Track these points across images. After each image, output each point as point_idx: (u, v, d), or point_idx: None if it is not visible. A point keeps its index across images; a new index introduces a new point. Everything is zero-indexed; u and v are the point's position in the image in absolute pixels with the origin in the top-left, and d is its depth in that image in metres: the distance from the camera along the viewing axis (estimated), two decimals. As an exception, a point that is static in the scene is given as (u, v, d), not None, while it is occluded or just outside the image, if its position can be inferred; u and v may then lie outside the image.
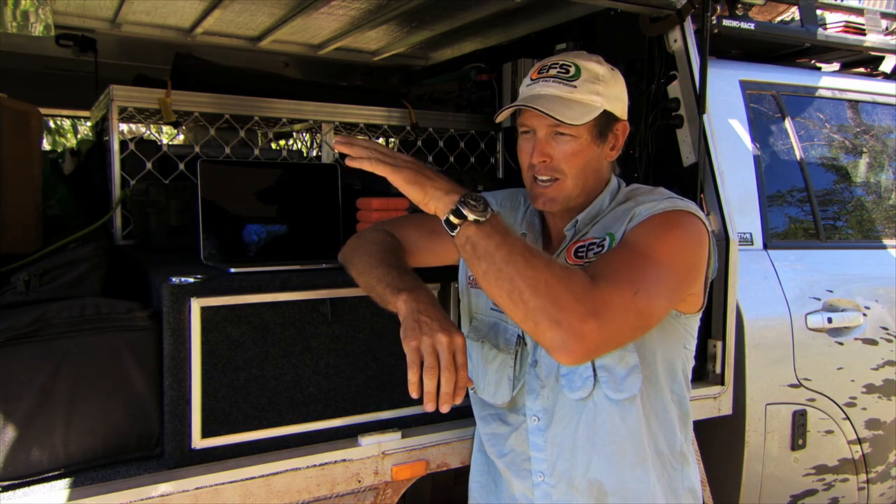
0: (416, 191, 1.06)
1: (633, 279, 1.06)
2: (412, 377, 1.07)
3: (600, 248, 1.24)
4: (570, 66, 1.26)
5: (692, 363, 1.35)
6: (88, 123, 3.84)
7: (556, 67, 1.27)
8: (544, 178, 1.27)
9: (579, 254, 1.27)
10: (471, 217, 1.03)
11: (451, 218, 1.04)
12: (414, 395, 1.07)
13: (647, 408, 1.26)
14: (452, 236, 1.06)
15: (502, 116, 1.31)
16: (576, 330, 0.98)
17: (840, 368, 2.14)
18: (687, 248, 1.17)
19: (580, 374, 1.24)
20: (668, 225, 1.17)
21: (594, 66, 1.27)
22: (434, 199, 1.06)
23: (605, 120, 1.27)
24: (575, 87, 1.24)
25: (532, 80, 1.29)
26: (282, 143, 3.42)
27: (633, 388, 1.23)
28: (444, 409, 1.07)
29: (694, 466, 1.36)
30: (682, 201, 1.22)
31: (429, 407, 1.06)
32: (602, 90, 1.26)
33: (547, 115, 1.21)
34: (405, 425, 1.59)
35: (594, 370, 1.23)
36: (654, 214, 1.19)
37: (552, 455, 1.30)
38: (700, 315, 1.31)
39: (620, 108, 1.30)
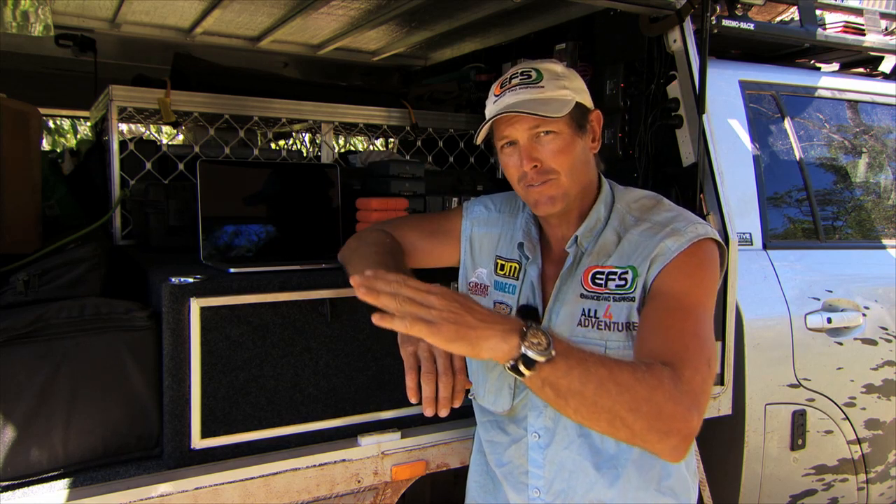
0: (463, 346, 0.92)
1: (702, 348, 1.07)
2: (410, 383, 1.07)
3: (623, 282, 1.23)
4: (531, 72, 1.26)
5: None
6: (88, 123, 3.84)
7: (517, 77, 1.27)
8: (539, 182, 1.26)
9: (597, 281, 1.25)
10: (541, 359, 0.91)
11: (521, 367, 0.92)
12: (413, 400, 1.07)
13: None
14: (521, 378, 0.94)
15: (482, 135, 1.29)
16: (686, 434, 0.97)
17: (839, 368, 2.14)
18: (716, 281, 1.21)
19: None
20: (700, 266, 1.19)
21: (553, 66, 1.28)
22: (488, 351, 0.92)
23: (580, 112, 1.27)
24: (542, 87, 1.24)
25: (497, 95, 1.27)
26: (281, 143, 3.42)
27: None
28: (443, 413, 1.07)
29: None
30: (701, 226, 1.22)
31: (428, 412, 1.06)
32: (568, 84, 1.26)
33: (528, 113, 1.20)
34: (405, 425, 1.59)
35: None
36: (682, 252, 1.18)
37: (550, 473, 1.30)
38: None
39: (588, 99, 1.31)
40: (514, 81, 1.26)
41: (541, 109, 1.20)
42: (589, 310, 1.24)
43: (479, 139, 1.30)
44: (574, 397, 0.93)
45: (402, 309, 0.91)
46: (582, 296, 1.26)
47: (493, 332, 0.92)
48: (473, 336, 0.91)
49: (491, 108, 1.28)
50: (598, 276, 1.26)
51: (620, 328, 1.21)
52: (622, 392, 0.93)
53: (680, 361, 1.02)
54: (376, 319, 0.92)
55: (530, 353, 0.91)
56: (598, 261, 1.27)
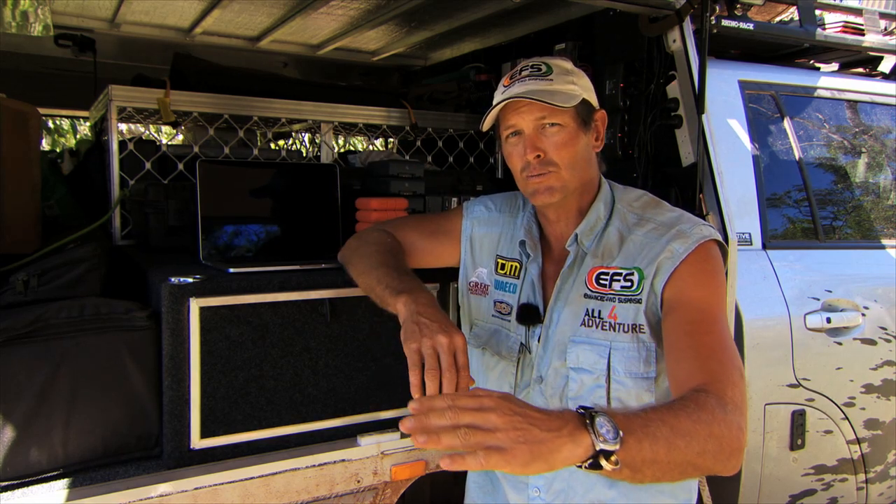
0: (539, 465, 0.84)
1: (733, 359, 1.08)
2: (414, 379, 1.07)
3: (629, 283, 1.23)
4: (542, 65, 1.28)
5: None
6: (87, 123, 3.84)
7: (527, 69, 1.29)
8: (539, 173, 1.26)
9: (601, 281, 1.26)
10: (616, 447, 0.86)
11: (601, 462, 0.87)
12: (416, 396, 1.07)
13: None
14: (600, 472, 0.89)
15: (489, 121, 1.30)
16: (741, 448, 0.98)
17: (839, 368, 2.14)
18: (725, 284, 1.22)
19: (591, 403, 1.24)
20: (712, 272, 1.20)
21: (563, 63, 1.30)
22: (563, 461, 0.86)
23: (585, 108, 1.28)
24: (551, 80, 1.26)
25: (506, 85, 1.29)
26: (281, 143, 3.42)
27: None
28: None
29: None
30: (705, 227, 1.23)
31: None
32: (576, 81, 1.28)
33: (537, 100, 1.21)
34: (404, 425, 1.59)
35: (608, 402, 1.23)
36: (689, 255, 1.19)
37: (549, 473, 1.29)
38: None
39: (594, 99, 1.32)
40: (524, 73, 1.28)
41: (549, 98, 1.22)
42: (593, 310, 1.25)
43: (486, 126, 1.31)
44: (649, 467, 0.90)
45: (468, 443, 0.82)
46: (586, 296, 1.26)
47: (563, 438, 0.85)
48: (546, 451, 0.84)
49: (499, 98, 1.29)
50: (602, 276, 1.26)
51: (626, 329, 1.22)
52: (689, 442, 0.92)
53: (718, 381, 1.04)
54: (446, 465, 0.83)
55: (606, 447, 0.86)
56: (603, 261, 1.27)
